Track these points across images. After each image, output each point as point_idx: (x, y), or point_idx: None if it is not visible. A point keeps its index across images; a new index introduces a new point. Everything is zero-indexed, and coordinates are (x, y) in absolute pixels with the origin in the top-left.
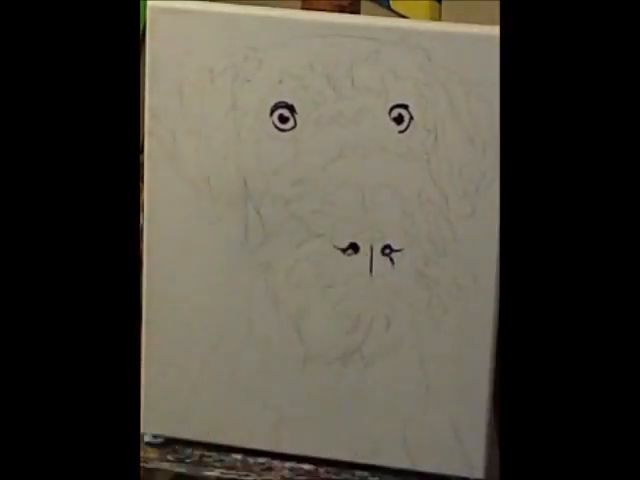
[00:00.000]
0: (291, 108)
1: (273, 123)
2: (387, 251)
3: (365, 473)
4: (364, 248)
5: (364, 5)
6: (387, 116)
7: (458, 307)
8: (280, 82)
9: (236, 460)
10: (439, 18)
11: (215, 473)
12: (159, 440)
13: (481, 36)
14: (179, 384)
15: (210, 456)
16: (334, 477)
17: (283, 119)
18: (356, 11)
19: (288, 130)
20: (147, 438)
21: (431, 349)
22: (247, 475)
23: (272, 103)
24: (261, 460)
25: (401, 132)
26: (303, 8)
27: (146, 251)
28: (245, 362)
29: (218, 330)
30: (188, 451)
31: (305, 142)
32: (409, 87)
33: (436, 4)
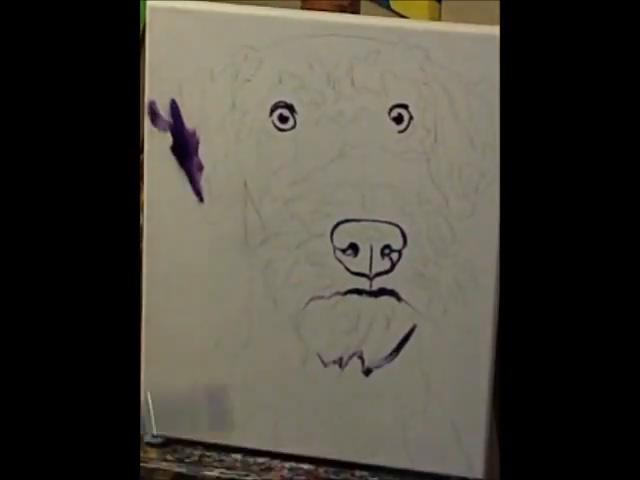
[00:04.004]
0: (291, 108)
1: (273, 123)
2: (387, 251)
3: (365, 473)
4: (364, 248)
5: (364, 5)
6: (387, 116)
7: (458, 307)
8: (280, 82)
9: (236, 460)
10: (439, 18)
11: (215, 473)
12: (159, 440)
13: (481, 36)
14: (179, 384)
15: (210, 456)
16: (334, 477)
17: (283, 119)
18: (356, 11)
19: (288, 130)
20: (147, 438)
21: (431, 349)
22: (247, 475)
23: (272, 103)
24: (261, 460)
25: (401, 132)
26: (303, 8)
27: (146, 251)
28: (245, 362)
29: (218, 330)
30: (188, 451)
31: (305, 142)
32: (409, 87)
33: (436, 4)
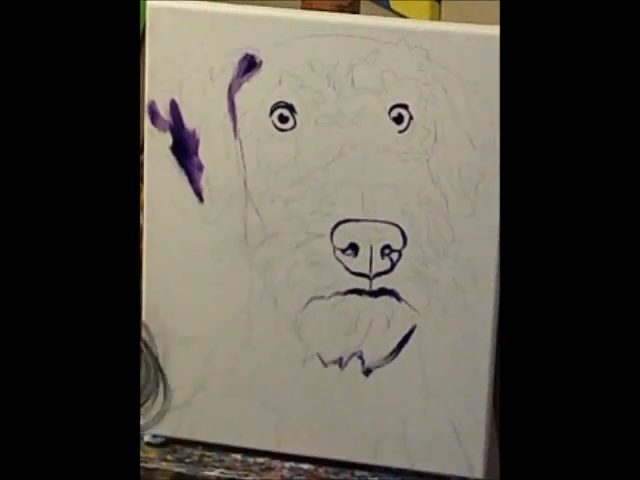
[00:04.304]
0: (291, 108)
1: (273, 123)
2: (387, 251)
3: (365, 473)
4: (364, 248)
5: (364, 5)
6: (387, 116)
7: (458, 307)
8: (280, 82)
9: (236, 460)
10: (439, 18)
11: (215, 473)
12: (159, 440)
13: (481, 36)
14: (179, 384)
15: (210, 456)
16: (333, 477)
17: (283, 119)
18: (356, 11)
19: (288, 130)
20: (147, 438)
21: (431, 349)
22: (247, 475)
23: (272, 103)
24: (261, 460)
25: (401, 132)
26: (303, 8)
27: (146, 251)
28: (245, 362)
29: (218, 330)
30: (188, 451)
31: (305, 142)
32: (409, 87)
33: (436, 4)
